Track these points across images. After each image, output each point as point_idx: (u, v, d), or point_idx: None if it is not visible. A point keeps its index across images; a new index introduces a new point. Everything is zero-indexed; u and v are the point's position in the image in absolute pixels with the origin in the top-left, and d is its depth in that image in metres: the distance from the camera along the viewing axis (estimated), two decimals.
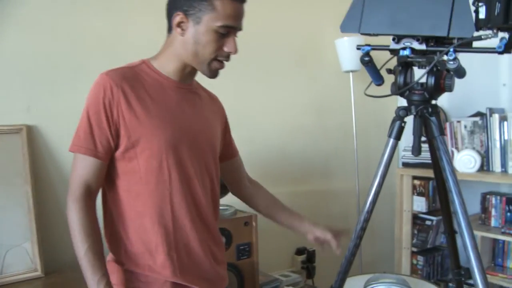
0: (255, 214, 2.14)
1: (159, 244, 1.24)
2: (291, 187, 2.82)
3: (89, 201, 1.21)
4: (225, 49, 1.24)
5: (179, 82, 1.31)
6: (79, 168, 1.21)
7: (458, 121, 2.78)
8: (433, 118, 1.32)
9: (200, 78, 1.38)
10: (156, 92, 1.26)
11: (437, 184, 1.49)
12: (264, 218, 2.39)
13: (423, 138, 1.37)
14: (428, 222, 2.99)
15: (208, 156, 1.35)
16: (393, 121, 1.39)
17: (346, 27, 1.28)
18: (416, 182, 2.98)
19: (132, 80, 1.23)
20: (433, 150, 1.38)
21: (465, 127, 2.75)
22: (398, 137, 1.38)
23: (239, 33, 1.29)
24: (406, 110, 1.35)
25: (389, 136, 1.39)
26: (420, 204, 2.96)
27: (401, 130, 1.38)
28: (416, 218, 3.04)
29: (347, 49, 2.81)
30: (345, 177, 3.10)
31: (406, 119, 1.38)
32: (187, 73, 1.31)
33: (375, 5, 1.23)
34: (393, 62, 1.38)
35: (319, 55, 2.98)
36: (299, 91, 2.92)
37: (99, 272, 1.15)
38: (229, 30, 1.22)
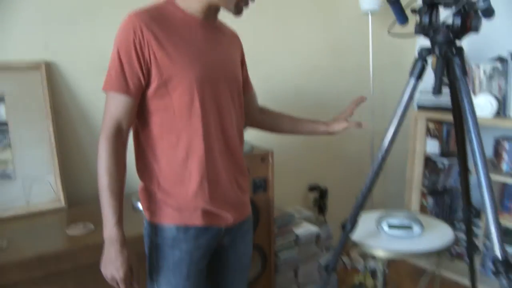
0: (272, 151, 2.19)
1: (191, 174, 1.30)
2: None
3: (119, 139, 1.26)
4: None
5: (204, 20, 1.33)
6: (111, 106, 1.25)
7: (477, 66, 2.74)
8: (457, 59, 1.32)
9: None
10: (183, 31, 1.29)
11: (455, 125, 1.51)
12: (279, 156, 2.46)
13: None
14: (440, 165, 3.03)
15: (234, 89, 1.39)
16: (415, 61, 1.39)
17: None
18: (431, 125, 3.00)
19: (160, 20, 1.26)
20: (454, 92, 1.39)
21: (484, 72, 2.72)
22: (419, 77, 1.39)
23: None
24: (429, 51, 1.35)
25: (411, 75, 1.40)
26: (433, 146, 2.99)
27: (422, 70, 1.39)
28: (428, 160, 3.08)
29: None
30: (360, 118, 3.09)
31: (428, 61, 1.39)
32: (211, 11, 1.33)
33: None
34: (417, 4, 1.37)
35: None
36: (317, 32, 2.89)
37: (112, 209, 1.23)
38: None
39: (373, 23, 2.89)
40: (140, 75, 1.24)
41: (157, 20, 1.25)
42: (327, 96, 2.96)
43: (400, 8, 1.34)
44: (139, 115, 1.31)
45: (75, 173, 2.12)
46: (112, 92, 1.24)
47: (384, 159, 1.45)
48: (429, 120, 3.00)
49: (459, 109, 1.36)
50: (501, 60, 2.68)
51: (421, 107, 3.02)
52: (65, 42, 2.09)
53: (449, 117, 1.49)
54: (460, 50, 1.33)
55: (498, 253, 1.33)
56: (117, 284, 1.26)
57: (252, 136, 2.44)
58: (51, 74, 2.06)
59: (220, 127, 1.33)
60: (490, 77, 2.70)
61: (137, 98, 1.26)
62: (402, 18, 1.37)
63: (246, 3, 1.31)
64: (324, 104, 2.95)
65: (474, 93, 2.73)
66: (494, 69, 2.68)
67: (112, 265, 1.24)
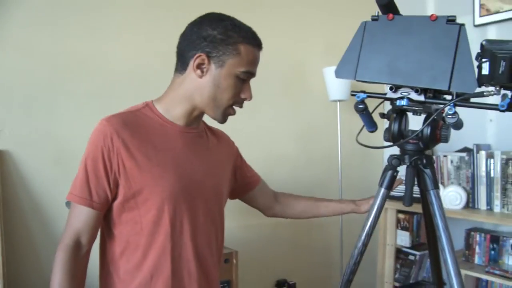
0: (236, 251, 2.06)
1: None
2: (273, 218, 2.74)
3: (77, 253, 1.15)
4: (242, 95, 1.23)
5: (185, 127, 1.25)
6: (73, 217, 1.16)
7: (445, 156, 2.75)
8: (428, 170, 1.27)
9: None
10: (159, 139, 1.20)
11: (428, 241, 1.43)
12: (245, 253, 2.33)
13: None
14: (411, 257, 2.95)
15: (213, 205, 1.29)
16: (385, 170, 1.33)
17: (341, 73, 1.23)
18: (401, 215, 2.94)
19: (133, 126, 1.18)
20: (425, 203, 1.32)
21: (452, 162, 2.72)
22: (389, 187, 1.32)
23: None
24: (399, 160, 1.30)
25: (380, 185, 1.33)
26: (404, 238, 2.92)
27: (393, 179, 1.32)
28: (399, 252, 2.99)
29: (335, 78, 2.76)
30: None
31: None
32: (194, 116, 1.26)
33: (372, 51, 1.17)
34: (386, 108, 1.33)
35: (306, 83, 2.93)
36: (284, 119, 2.86)
37: None
38: (249, 76, 1.22)
39: (341, 111, 2.88)
40: (107, 187, 1.14)
41: (130, 126, 1.16)
42: (294, 186, 2.88)
43: (369, 116, 1.29)
44: (105, 226, 1.21)
45: (25, 278, 1.93)
46: (74, 203, 1.15)
47: (361, 253, 1.35)
48: (399, 211, 2.94)
49: (431, 221, 1.28)
50: (468, 150, 2.69)
51: (391, 197, 2.96)
52: (20, 130, 2.00)
53: (419, 208, 1.41)
54: (430, 160, 1.28)
55: None
56: None
57: None
58: (3, 163, 1.93)
59: (194, 248, 1.21)
60: (458, 168, 2.70)
61: (101, 210, 1.17)
62: (371, 125, 1.32)
63: (234, 112, 1.26)
64: None
65: (443, 184, 2.71)
66: (461, 159, 2.68)
67: None
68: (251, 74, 1.22)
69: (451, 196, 2.60)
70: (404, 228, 2.92)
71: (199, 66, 1.18)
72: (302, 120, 2.94)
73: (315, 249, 3.00)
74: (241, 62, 1.18)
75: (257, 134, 2.74)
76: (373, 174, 3.19)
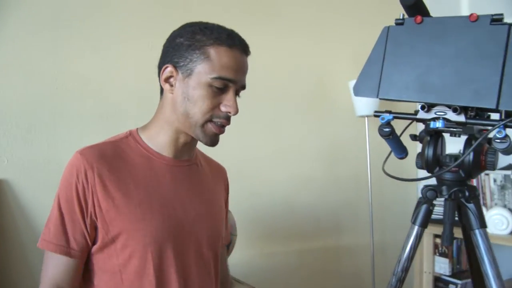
0: None
1: None
2: (299, 244, 2.54)
3: None
4: (222, 108, 1.01)
5: (173, 159, 1.07)
6: (50, 267, 1.01)
7: (487, 174, 2.48)
8: (471, 205, 1.04)
9: None
10: (142, 174, 1.03)
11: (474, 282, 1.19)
12: (264, 286, 2.12)
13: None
14: (452, 286, 2.68)
15: (208, 250, 1.09)
16: (419, 204, 1.11)
17: (361, 90, 1.01)
18: (438, 240, 2.67)
19: (112, 159, 1.01)
20: (469, 243, 1.09)
21: (495, 181, 2.46)
22: (424, 225, 1.11)
23: None
24: (436, 191, 1.07)
25: (413, 222, 1.11)
26: (442, 266, 2.65)
27: (428, 215, 1.10)
28: (438, 281, 2.73)
29: None
30: (358, 232, 2.79)
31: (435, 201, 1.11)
32: (181, 144, 1.07)
33: (398, 63, 0.95)
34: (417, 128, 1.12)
35: (332, 98, 2.71)
36: (309, 137, 2.65)
37: None
38: (226, 84, 0.99)
39: (370, 128, 2.65)
40: (85, 231, 0.99)
41: (108, 160, 1.00)
42: (322, 208, 2.67)
43: (397, 140, 1.08)
44: (84, 274, 1.05)
45: None
46: (49, 251, 0.99)
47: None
48: (436, 236, 2.68)
49: (477, 265, 1.05)
50: None
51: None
52: (19, 157, 1.86)
53: (459, 233, 1.16)
54: (474, 192, 1.05)
55: None
56: None
57: (235, 262, 2.13)
58: (1, 193, 1.81)
59: None
60: (502, 187, 2.43)
61: (81, 258, 1.01)
62: (400, 150, 1.11)
63: (218, 129, 1.02)
64: (318, 219, 2.65)
65: (486, 206, 2.44)
66: (506, 178, 2.41)
67: None
68: (228, 81, 0.99)
69: (496, 220, 2.33)
70: (442, 255, 2.65)
71: (167, 80, 1.01)
72: (328, 138, 2.71)
73: (345, 276, 2.76)
74: (212, 67, 0.97)
75: (279, 154, 2.53)
76: (407, 195, 2.95)
